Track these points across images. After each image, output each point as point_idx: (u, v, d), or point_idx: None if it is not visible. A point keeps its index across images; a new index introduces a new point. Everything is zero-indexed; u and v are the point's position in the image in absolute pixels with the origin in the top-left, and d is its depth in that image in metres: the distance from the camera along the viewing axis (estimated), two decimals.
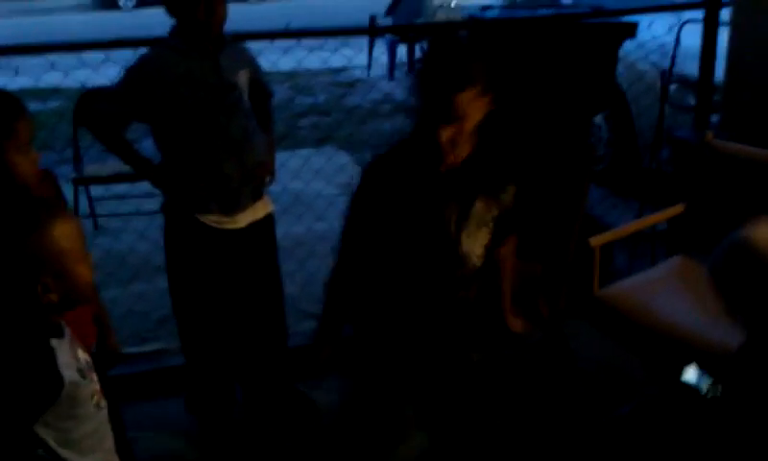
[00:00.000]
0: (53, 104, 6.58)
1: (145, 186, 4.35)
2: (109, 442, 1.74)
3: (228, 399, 2.98)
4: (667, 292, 2.83)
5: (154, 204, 4.47)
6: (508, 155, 2.29)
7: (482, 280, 2.37)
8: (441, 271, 2.26)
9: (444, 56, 2.12)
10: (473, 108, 2.09)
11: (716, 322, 2.65)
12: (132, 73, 2.62)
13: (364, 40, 9.37)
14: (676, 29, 4.02)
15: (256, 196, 2.77)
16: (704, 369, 2.46)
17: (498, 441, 2.87)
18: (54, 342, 1.57)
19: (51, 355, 1.55)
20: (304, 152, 5.58)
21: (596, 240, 2.82)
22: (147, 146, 2.95)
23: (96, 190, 4.70)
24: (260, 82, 2.83)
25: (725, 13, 3.82)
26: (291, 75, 8.27)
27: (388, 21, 9.77)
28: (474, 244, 2.26)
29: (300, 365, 2.78)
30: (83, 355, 1.69)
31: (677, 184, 3.51)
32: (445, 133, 2.09)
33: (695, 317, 2.68)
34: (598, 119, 5.27)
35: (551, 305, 3.03)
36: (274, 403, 3.03)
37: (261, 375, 3.00)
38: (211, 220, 2.68)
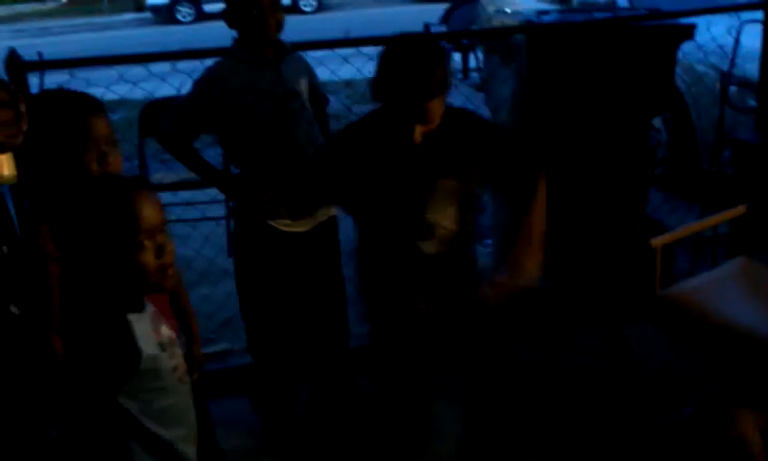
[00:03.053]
0: (121, 113, 6.77)
1: (211, 192, 4.48)
2: (192, 418, 1.77)
3: (292, 397, 3.05)
4: (729, 292, 2.82)
5: (219, 209, 4.62)
6: (471, 134, 2.37)
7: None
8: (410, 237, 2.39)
9: (412, 64, 2.19)
10: (438, 106, 2.25)
11: None
12: (199, 85, 2.70)
13: None
14: (735, 30, 3.97)
15: None
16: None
17: (558, 441, 2.89)
18: (132, 316, 1.61)
19: (128, 329, 1.59)
20: None
21: (657, 241, 2.81)
22: (210, 155, 3.05)
23: (164, 197, 4.80)
24: (317, 88, 2.91)
25: None
26: (348, 83, 8.35)
27: (442, 29, 9.80)
28: (442, 216, 2.38)
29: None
30: (166, 331, 1.73)
31: (738, 186, 3.47)
32: (418, 129, 2.26)
33: (758, 317, 2.67)
34: (657, 122, 5.22)
35: (612, 306, 3.04)
36: (336, 402, 3.09)
37: (324, 374, 3.06)
38: (280, 224, 2.77)
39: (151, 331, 1.66)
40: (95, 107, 2.03)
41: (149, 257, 1.62)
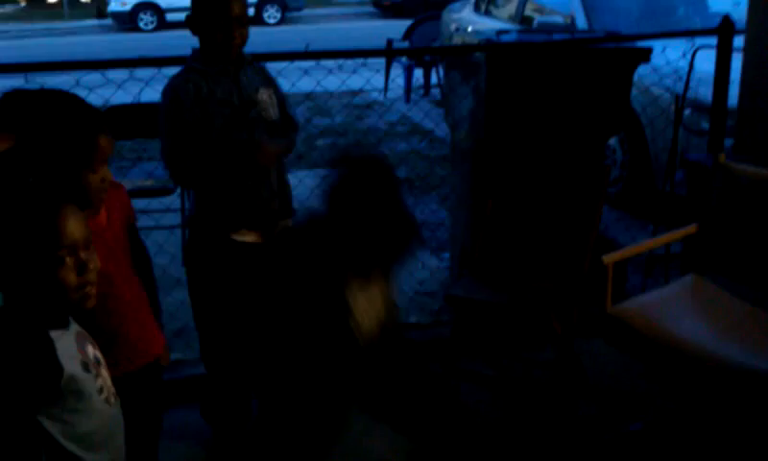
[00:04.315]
0: None
1: (165, 201, 4.46)
2: (119, 440, 1.71)
3: (243, 409, 3.02)
4: (680, 309, 2.86)
5: (172, 218, 4.57)
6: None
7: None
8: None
9: None
10: None
11: (727, 339, 2.69)
12: (167, 107, 2.65)
13: (381, 64, 9.46)
14: (690, 54, 4.06)
15: (286, 213, 2.84)
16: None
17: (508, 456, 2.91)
18: (54, 333, 1.55)
19: (49, 346, 1.52)
20: (321, 171, 5.65)
21: (609, 258, 2.84)
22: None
23: None
24: (285, 106, 2.89)
25: (737, 40, 3.87)
26: (309, 96, 8.36)
27: (405, 45, 9.88)
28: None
29: None
30: (93, 351, 1.66)
31: (690, 206, 3.54)
32: None
33: (707, 334, 2.71)
34: (613, 142, 5.32)
35: (564, 322, 3.06)
36: (287, 414, 3.07)
37: (276, 386, 3.04)
38: (235, 234, 2.74)
39: (75, 350, 1.59)
40: (104, 123, 1.96)
41: (69, 274, 1.56)
